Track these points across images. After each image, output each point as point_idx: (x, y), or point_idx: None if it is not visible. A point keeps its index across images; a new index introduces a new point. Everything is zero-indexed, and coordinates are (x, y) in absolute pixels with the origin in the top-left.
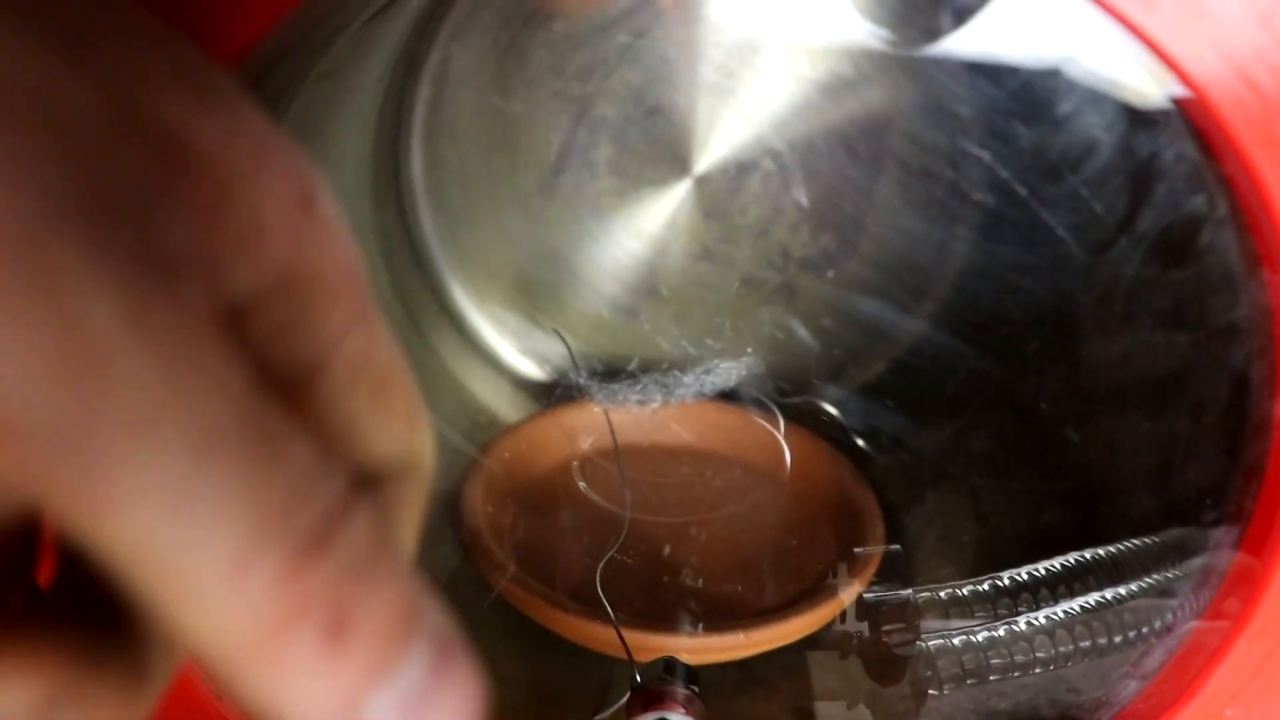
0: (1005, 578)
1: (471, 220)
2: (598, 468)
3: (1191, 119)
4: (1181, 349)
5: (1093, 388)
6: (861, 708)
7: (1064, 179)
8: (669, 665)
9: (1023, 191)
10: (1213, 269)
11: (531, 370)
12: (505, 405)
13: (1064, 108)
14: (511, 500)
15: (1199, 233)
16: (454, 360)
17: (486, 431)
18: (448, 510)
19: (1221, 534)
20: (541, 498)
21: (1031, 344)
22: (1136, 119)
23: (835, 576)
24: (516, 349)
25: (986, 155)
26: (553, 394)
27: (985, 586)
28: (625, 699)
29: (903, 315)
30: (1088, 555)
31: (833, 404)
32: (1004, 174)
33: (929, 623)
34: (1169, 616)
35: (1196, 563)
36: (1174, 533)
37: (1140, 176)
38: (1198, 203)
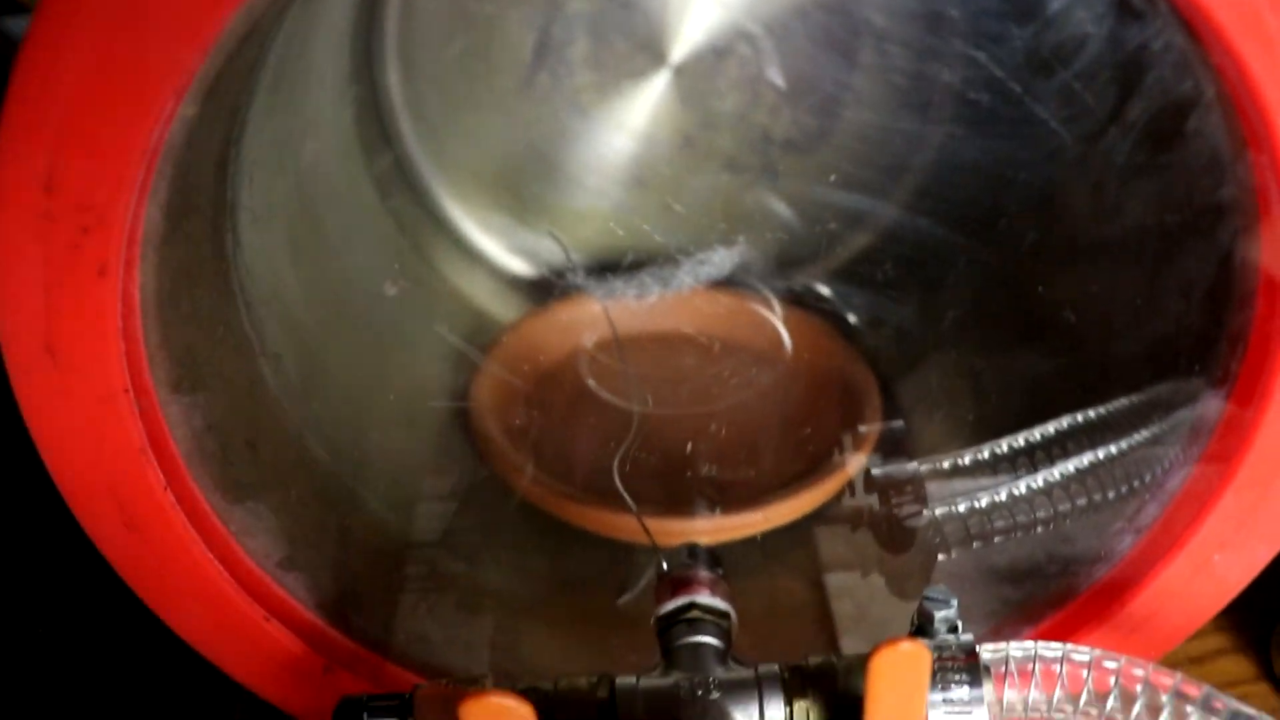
0: (1004, 444)
1: (452, 126)
2: (603, 363)
3: (1178, 9)
4: (1172, 230)
5: (1087, 272)
6: (875, 575)
7: (1055, 73)
8: (691, 551)
9: (1016, 88)
10: (1200, 153)
11: (523, 268)
12: (502, 307)
13: (1054, 5)
14: (520, 401)
15: (1187, 118)
16: (447, 267)
17: (487, 336)
18: (460, 419)
19: (1209, 394)
20: (550, 396)
21: (1029, 234)
22: (1125, 11)
23: (840, 452)
24: (506, 248)
25: (981, 55)
26: (547, 291)
27: (985, 454)
28: (641, 585)
29: (888, 200)
30: (1080, 418)
31: (825, 285)
32: (997, 72)
33: (934, 491)
34: (1160, 471)
35: (1185, 421)
36: (1163, 394)
37: (1129, 67)
38: (1185, 90)
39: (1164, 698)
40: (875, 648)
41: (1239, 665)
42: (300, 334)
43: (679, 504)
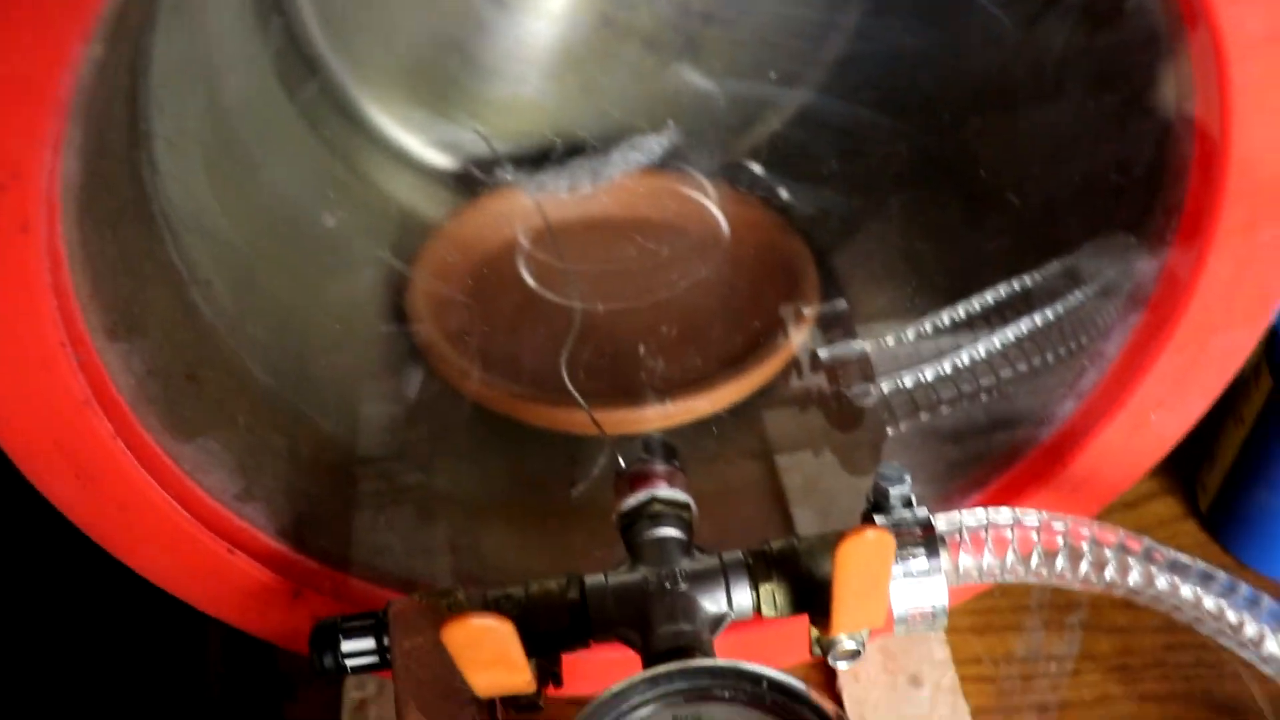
0: (944, 316)
1: (360, 22)
2: (542, 260)
3: None
4: (1109, 109)
5: (1030, 152)
6: (827, 453)
7: None
8: (647, 445)
9: None
10: (1138, 31)
11: (446, 162)
12: (431, 205)
13: None
14: (459, 304)
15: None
16: (369, 168)
17: (417, 236)
18: (401, 327)
19: (1146, 261)
20: (489, 296)
21: (972, 120)
22: None
23: (782, 331)
24: (427, 143)
25: None
26: (473, 185)
27: (927, 327)
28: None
29: (816, 76)
30: (1018, 285)
31: (757, 164)
32: None
33: (880, 366)
34: (1099, 336)
35: (1123, 288)
36: (1101, 262)
37: None
38: None
39: (1108, 553)
40: (841, 536)
41: (1168, 506)
42: (228, 256)
43: (627, 394)
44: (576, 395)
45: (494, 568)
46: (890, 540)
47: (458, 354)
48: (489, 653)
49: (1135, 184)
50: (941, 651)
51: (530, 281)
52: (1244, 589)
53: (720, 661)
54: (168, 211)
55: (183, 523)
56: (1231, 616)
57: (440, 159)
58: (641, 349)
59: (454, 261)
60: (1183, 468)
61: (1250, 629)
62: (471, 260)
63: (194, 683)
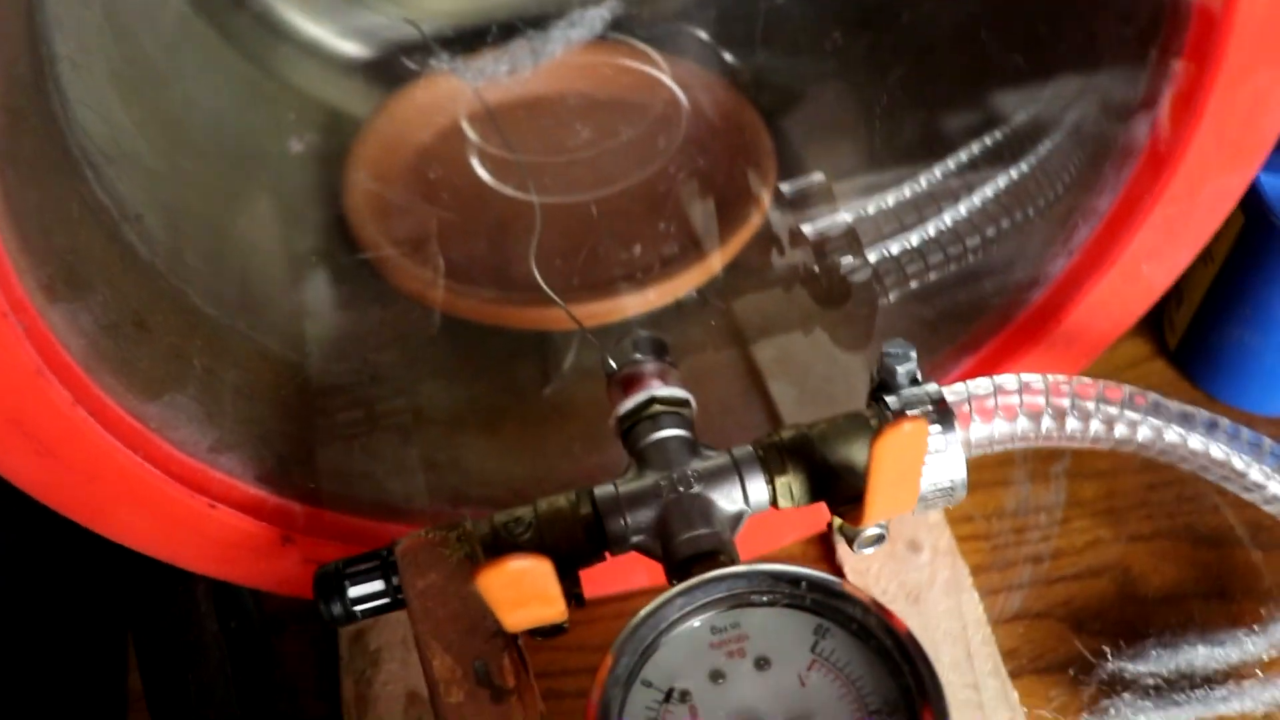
0: (922, 180)
1: None
2: (494, 153)
3: None
4: None
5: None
6: (818, 331)
7: None
8: (636, 343)
9: None
10: None
11: (364, 52)
12: (355, 101)
13: None
14: (409, 209)
15: None
16: (283, 67)
17: (346, 135)
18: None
19: (1142, 116)
20: (439, 197)
21: None
22: None
23: (753, 201)
24: (339, 32)
25: None
26: (403, 77)
27: (908, 193)
28: (565, 370)
29: None
30: (999, 135)
31: (701, 29)
32: None
33: (864, 237)
34: (1090, 193)
35: (1115, 144)
36: (1090, 113)
37: None
38: None
39: (1115, 410)
40: (875, 432)
41: (1136, 347)
42: (154, 185)
43: (602, 285)
44: (551, 293)
45: (477, 481)
46: (925, 429)
47: (415, 263)
48: (524, 591)
49: (1133, 39)
50: (935, 515)
51: (486, 178)
52: (1246, 434)
53: (754, 565)
54: (85, 145)
55: (158, 484)
56: (1238, 463)
57: (358, 49)
58: (612, 236)
59: (393, 162)
60: (1150, 309)
61: (1255, 473)
62: (411, 158)
63: (183, 626)
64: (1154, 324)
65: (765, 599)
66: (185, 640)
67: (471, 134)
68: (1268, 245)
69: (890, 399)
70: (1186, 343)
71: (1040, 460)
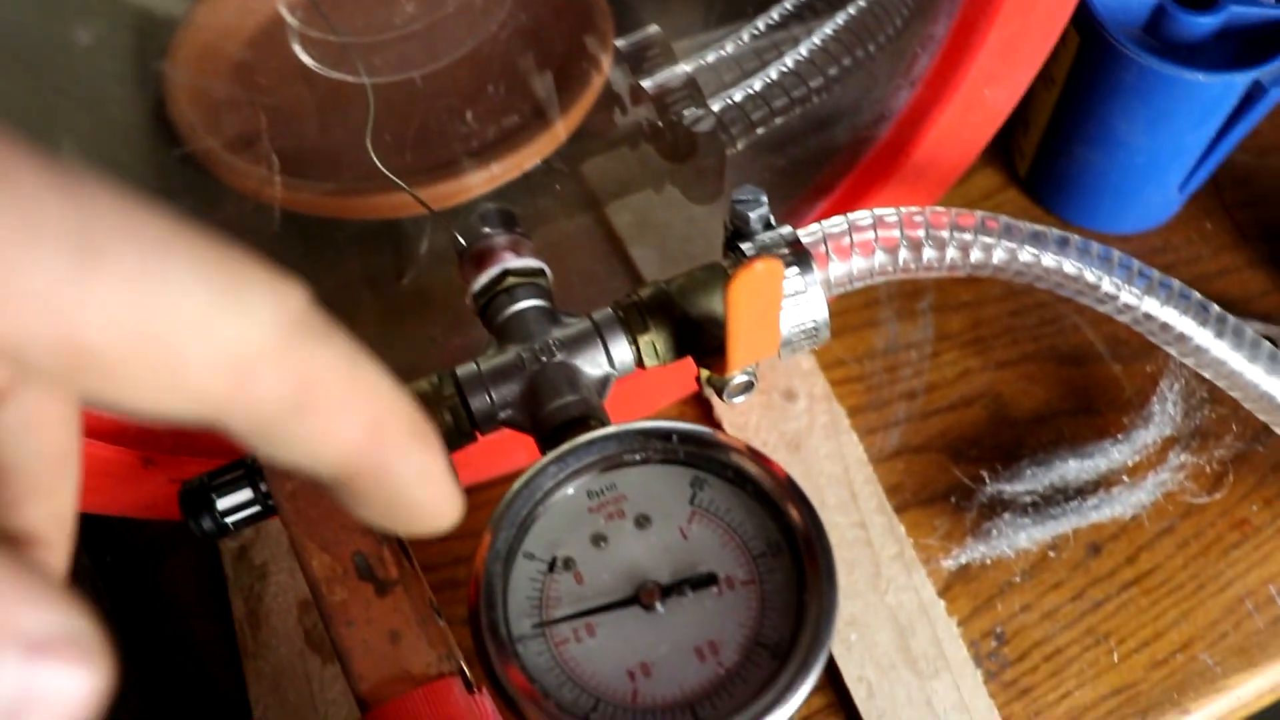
0: (760, 24)
1: None
2: (317, 38)
3: None
4: None
5: None
6: (669, 188)
7: None
8: (483, 216)
9: None
10: None
11: None
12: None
13: None
14: (235, 103)
15: None
16: None
17: (162, 34)
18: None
19: None
20: (265, 88)
21: None
22: None
23: (591, 63)
24: None
25: None
26: None
27: (745, 37)
28: (420, 257)
29: None
30: None
31: None
32: None
33: (706, 87)
34: (927, 19)
35: None
36: None
37: None
38: None
39: (969, 236)
40: (713, 270)
41: (989, 178)
42: None
43: (445, 165)
44: (392, 177)
45: None
46: (779, 268)
47: (249, 161)
48: None
49: None
50: (808, 362)
51: (310, 63)
52: (1096, 248)
53: (624, 425)
54: None
55: None
56: (1090, 276)
57: None
58: (452, 113)
59: (215, 57)
60: (999, 138)
61: (1106, 284)
62: (233, 52)
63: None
64: (1004, 153)
65: (638, 457)
66: None
67: (292, 20)
68: (1103, 62)
69: (745, 246)
70: (1035, 169)
71: (906, 298)
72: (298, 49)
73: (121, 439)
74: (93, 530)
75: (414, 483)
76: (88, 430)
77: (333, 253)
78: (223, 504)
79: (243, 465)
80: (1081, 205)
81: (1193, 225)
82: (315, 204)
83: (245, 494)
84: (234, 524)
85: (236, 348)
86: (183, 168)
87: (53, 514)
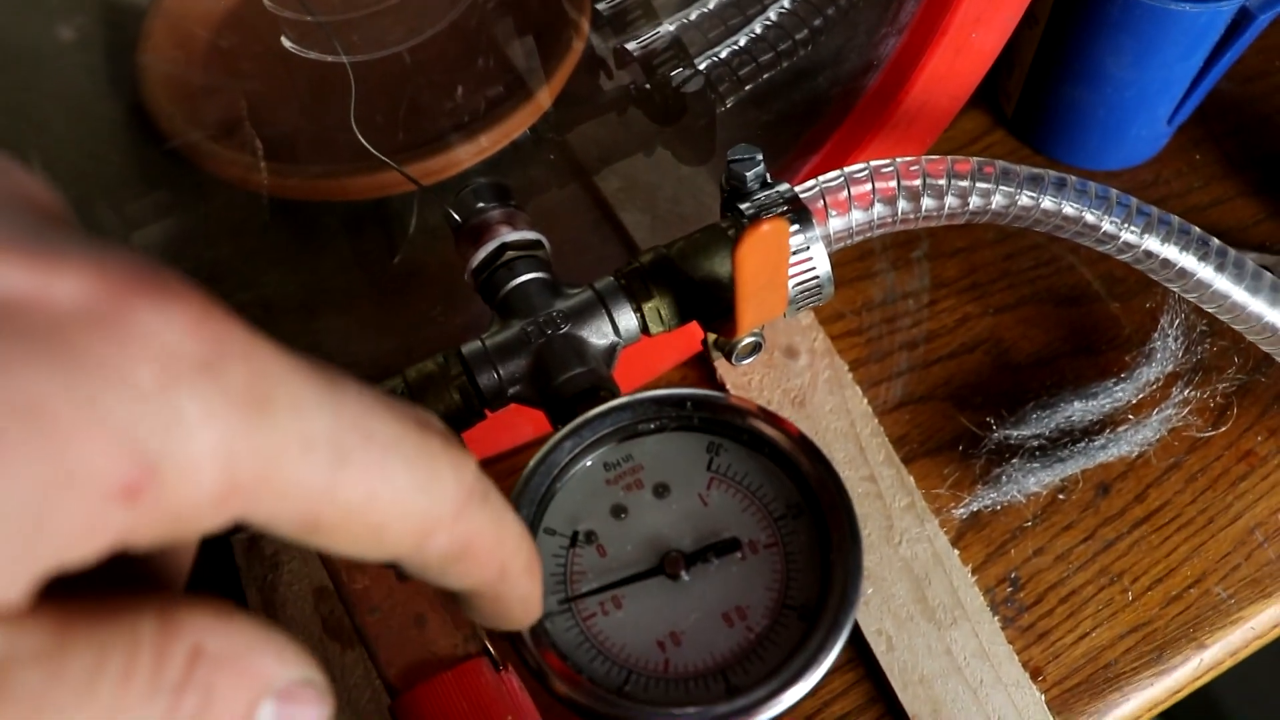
0: None
1: None
2: (292, 18)
3: None
4: None
5: None
6: (660, 152)
7: None
8: (477, 192)
9: None
10: None
11: None
12: None
13: None
14: (212, 89)
15: None
16: None
17: (131, 24)
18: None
19: None
20: (243, 72)
21: None
22: None
23: (571, 27)
24: None
25: None
26: None
27: None
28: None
29: None
30: None
31: None
32: None
33: (690, 46)
34: None
35: None
36: None
37: None
38: None
39: (966, 183)
40: (715, 233)
41: (976, 121)
42: None
43: (432, 140)
44: (379, 155)
45: (342, 364)
46: (785, 227)
47: (232, 148)
48: None
49: None
50: (807, 317)
51: (291, 46)
52: (1094, 187)
53: (638, 394)
54: None
55: None
56: (1089, 217)
57: None
58: (434, 88)
59: (189, 43)
60: (984, 81)
61: (1107, 224)
62: (207, 36)
63: None
64: (990, 95)
65: (653, 426)
66: None
67: (267, 1)
68: None
69: (744, 205)
70: (1022, 109)
71: (900, 248)
72: (276, 30)
73: None
74: None
75: (517, 604)
76: None
77: (325, 236)
78: None
79: None
80: (1070, 143)
81: (1182, 157)
82: (303, 188)
83: None
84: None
85: (425, 518)
86: (166, 161)
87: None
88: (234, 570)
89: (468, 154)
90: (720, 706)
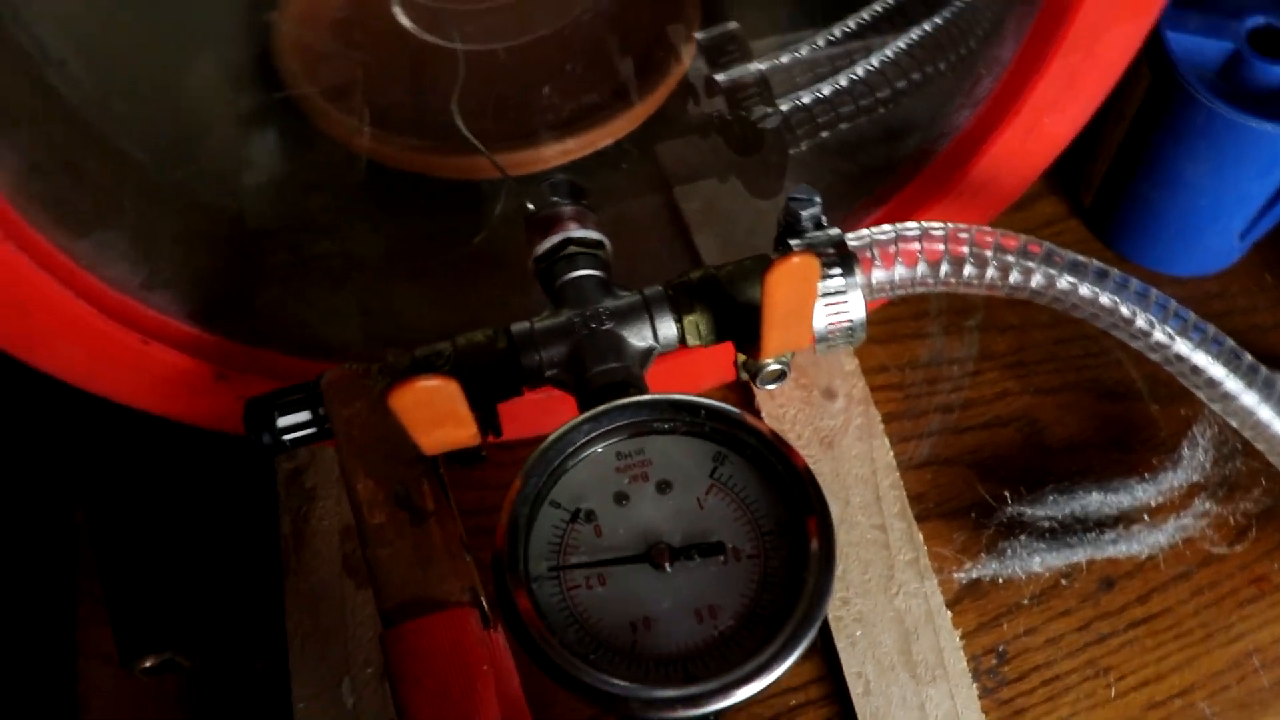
0: (837, 31)
1: None
2: (415, 2)
3: None
4: None
5: None
6: (732, 179)
7: None
8: (554, 187)
9: None
10: None
11: None
12: None
13: None
14: (334, 56)
15: None
16: None
17: None
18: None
19: None
20: (364, 44)
21: None
22: None
23: (672, 54)
24: None
25: None
26: None
27: (821, 42)
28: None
29: None
30: None
31: None
32: None
33: (777, 86)
34: (994, 43)
35: None
36: None
37: None
38: None
39: (1011, 258)
40: (761, 262)
41: (1054, 206)
42: (76, 29)
43: (524, 134)
44: (474, 140)
45: (409, 328)
46: (815, 263)
47: (342, 110)
48: (436, 411)
49: None
50: (851, 364)
51: (408, 25)
52: (1135, 284)
53: (658, 395)
54: None
55: (90, 318)
56: (1125, 310)
57: None
58: (535, 86)
59: (319, 10)
60: (1068, 168)
61: (1141, 320)
62: (337, 6)
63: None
64: (1072, 184)
65: (667, 426)
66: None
67: None
68: (1173, 103)
69: (795, 242)
70: (1099, 202)
71: (954, 314)
72: (397, 10)
73: (197, 351)
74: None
75: None
76: (166, 337)
77: (414, 206)
78: (283, 421)
79: (306, 388)
80: (1142, 243)
81: (1253, 275)
82: (400, 158)
83: (304, 415)
84: (290, 441)
85: None
86: (282, 109)
87: None
88: (273, 496)
89: (555, 153)
90: (673, 690)
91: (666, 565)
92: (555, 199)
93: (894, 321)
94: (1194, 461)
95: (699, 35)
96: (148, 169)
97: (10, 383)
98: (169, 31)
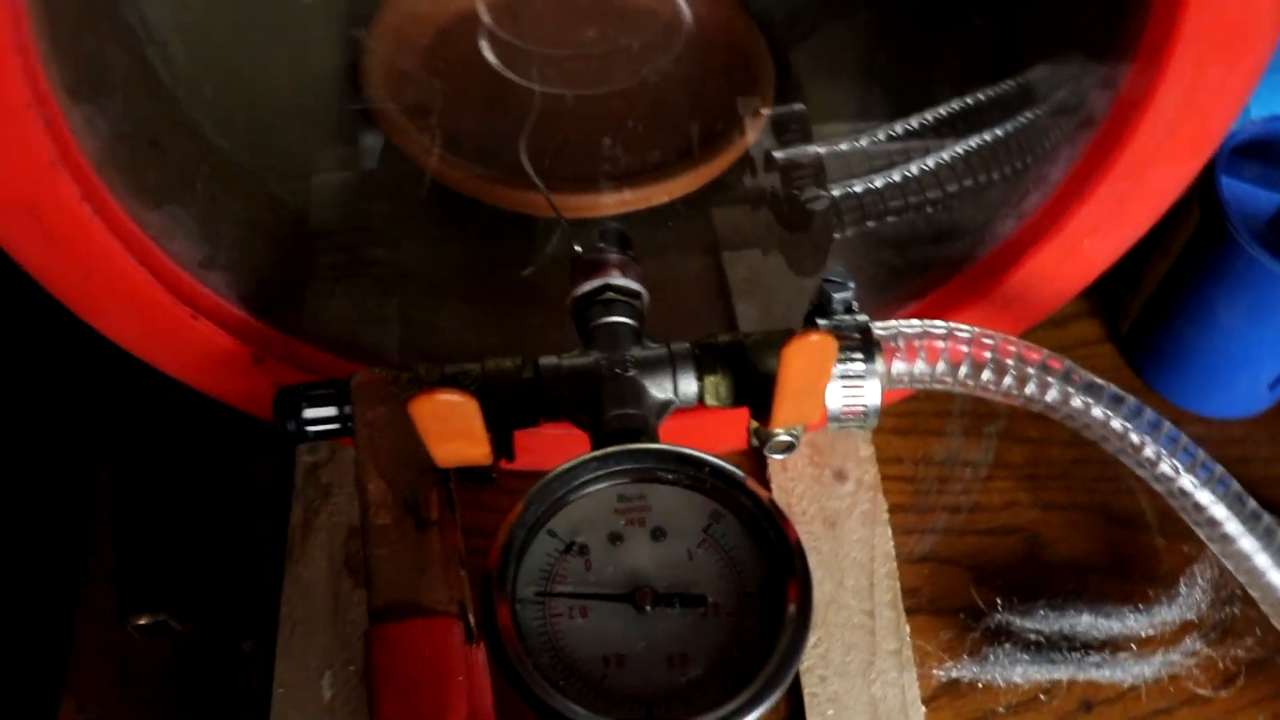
0: (899, 127)
1: None
2: (504, 38)
3: None
4: None
5: None
6: (774, 252)
7: None
8: (603, 233)
9: None
10: None
11: None
12: None
13: None
14: (418, 78)
15: None
16: None
17: (367, 6)
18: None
19: (1099, 89)
20: (448, 71)
21: None
22: None
23: (738, 126)
24: None
25: None
26: None
27: (880, 136)
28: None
29: None
30: (971, 101)
31: None
32: None
33: (832, 172)
34: (1046, 161)
35: (1074, 115)
36: (1056, 84)
37: None
38: None
39: (1030, 370)
40: (786, 335)
41: (1091, 328)
42: (183, 15)
43: (585, 180)
44: (535, 178)
45: (447, 344)
46: (832, 344)
47: (417, 129)
48: (452, 426)
49: (1095, 15)
50: (866, 449)
51: (492, 60)
52: (1148, 414)
53: (666, 446)
54: None
55: (147, 287)
56: (1134, 438)
57: None
58: (601, 136)
59: (411, 33)
60: (1110, 294)
61: (1149, 450)
62: (428, 33)
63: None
64: (1111, 308)
65: (671, 477)
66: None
67: (486, 17)
68: (1219, 246)
69: (822, 322)
70: (1135, 332)
71: (976, 418)
72: (484, 44)
73: (241, 334)
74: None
75: None
76: (215, 316)
77: (471, 231)
78: (309, 413)
79: (336, 385)
80: (1171, 377)
81: (1278, 426)
82: (464, 183)
83: (330, 410)
84: (313, 433)
85: None
86: (361, 119)
87: None
88: (290, 485)
89: (611, 202)
90: None
91: (648, 608)
92: (601, 245)
93: (916, 415)
94: (1190, 600)
95: (767, 111)
96: (225, 154)
97: (64, 348)
98: (267, 29)
